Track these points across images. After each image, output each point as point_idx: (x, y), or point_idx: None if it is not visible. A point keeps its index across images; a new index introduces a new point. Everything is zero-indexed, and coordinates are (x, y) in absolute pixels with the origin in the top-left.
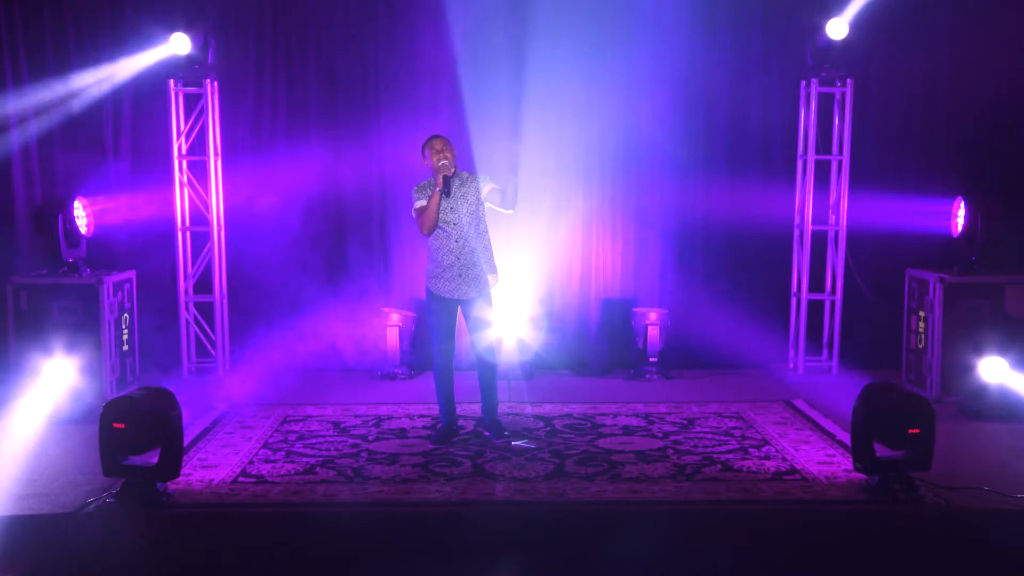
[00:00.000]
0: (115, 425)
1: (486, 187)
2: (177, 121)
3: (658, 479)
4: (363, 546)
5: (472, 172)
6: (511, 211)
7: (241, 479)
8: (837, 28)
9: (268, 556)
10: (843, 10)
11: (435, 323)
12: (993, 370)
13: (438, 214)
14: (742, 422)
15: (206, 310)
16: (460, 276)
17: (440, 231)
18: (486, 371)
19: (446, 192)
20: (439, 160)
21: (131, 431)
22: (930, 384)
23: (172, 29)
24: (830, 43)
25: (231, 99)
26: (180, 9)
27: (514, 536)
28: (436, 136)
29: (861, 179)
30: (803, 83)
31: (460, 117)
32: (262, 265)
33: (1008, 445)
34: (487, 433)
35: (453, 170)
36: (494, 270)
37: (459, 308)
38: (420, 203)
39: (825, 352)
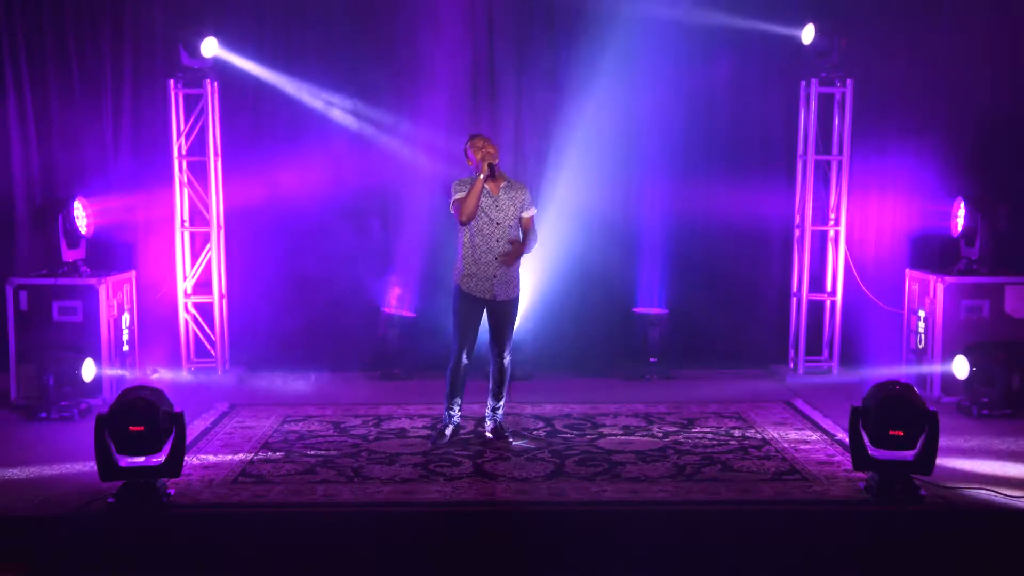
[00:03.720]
0: (132, 428)
1: (526, 211)
2: (177, 121)
3: (658, 479)
4: (363, 546)
5: (525, 186)
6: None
7: (241, 479)
8: (807, 33)
9: (268, 556)
10: (841, 10)
11: (460, 321)
12: (961, 368)
13: (479, 203)
14: (742, 422)
15: (206, 310)
16: (496, 276)
17: (483, 228)
18: (501, 372)
19: (491, 176)
20: (483, 154)
21: (149, 432)
22: (930, 384)
23: (172, 29)
24: (829, 44)
25: (231, 99)
26: (180, 9)
27: (514, 536)
28: (477, 134)
29: (861, 179)
30: (803, 83)
31: (462, 119)
32: (261, 265)
33: (1008, 445)
34: (487, 433)
35: (498, 160)
36: (518, 282)
37: (485, 308)
38: (460, 195)
39: (825, 352)
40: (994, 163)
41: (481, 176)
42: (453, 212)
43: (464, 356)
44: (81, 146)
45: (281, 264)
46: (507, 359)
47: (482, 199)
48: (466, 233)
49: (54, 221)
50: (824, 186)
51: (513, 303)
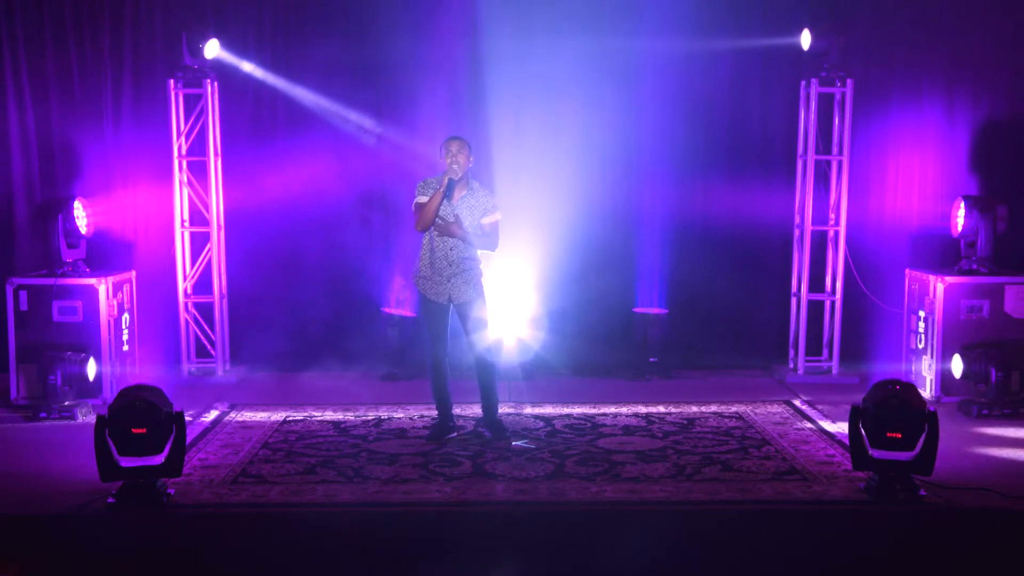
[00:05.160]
0: (135, 431)
1: (488, 217)
2: (177, 121)
3: (658, 479)
4: (363, 546)
5: (490, 191)
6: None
7: (241, 479)
8: (804, 39)
9: (268, 556)
10: (841, 9)
11: (427, 326)
12: (957, 367)
13: (436, 214)
14: (742, 422)
15: (206, 310)
16: (451, 280)
17: (441, 234)
18: (485, 371)
19: (447, 196)
20: (450, 163)
21: (151, 433)
22: (930, 384)
23: (172, 29)
24: (828, 44)
25: (231, 99)
26: (180, 9)
27: (514, 536)
28: (454, 138)
29: (861, 179)
30: (803, 83)
31: (462, 118)
32: (262, 265)
33: (1007, 445)
34: (487, 433)
35: (461, 174)
36: (480, 280)
37: (452, 310)
38: (421, 199)
39: (825, 352)
40: (994, 163)
41: (441, 189)
42: (413, 212)
43: (437, 359)
44: (81, 146)
45: (281, 264)
46: (489, 359)
47: (441, 206)
48: (426, 236)
49: (54, 221)
50: (824, 186)
51: (479, 300)
